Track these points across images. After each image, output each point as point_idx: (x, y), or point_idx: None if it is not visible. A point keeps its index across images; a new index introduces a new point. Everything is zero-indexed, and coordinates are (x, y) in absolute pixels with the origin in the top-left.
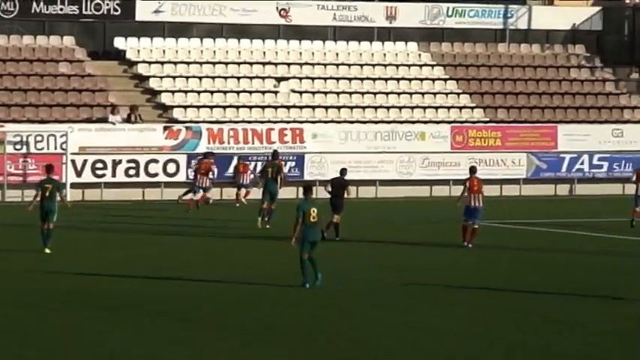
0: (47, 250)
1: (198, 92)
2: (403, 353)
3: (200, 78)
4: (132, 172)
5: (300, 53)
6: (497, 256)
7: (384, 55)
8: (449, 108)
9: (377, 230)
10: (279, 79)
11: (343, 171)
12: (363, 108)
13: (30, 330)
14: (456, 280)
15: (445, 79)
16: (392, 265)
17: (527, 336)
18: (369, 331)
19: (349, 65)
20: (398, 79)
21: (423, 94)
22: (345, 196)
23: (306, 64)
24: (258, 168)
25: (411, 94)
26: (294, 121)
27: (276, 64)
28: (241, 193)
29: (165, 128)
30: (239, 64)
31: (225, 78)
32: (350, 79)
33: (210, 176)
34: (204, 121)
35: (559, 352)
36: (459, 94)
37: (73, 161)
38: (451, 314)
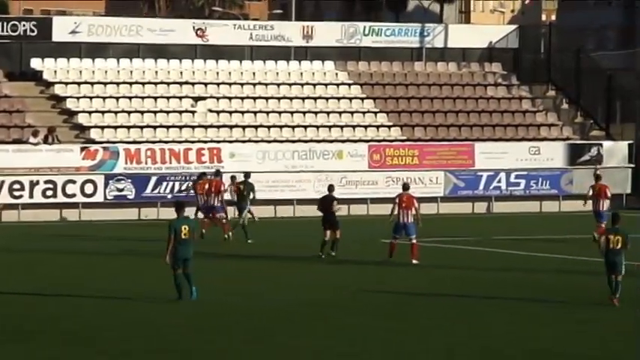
0: None
1: (116, 112)
2: None
3: (117, 98)
4: (49, 192)
5: (217, 73)
6: (413, 273)
7: (301, 74)
8: (366, 127)
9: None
10: (197, 99)
11: (331, 187)
12: (281, 127)
13: None
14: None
15: (362, 98)
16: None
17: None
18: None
19: (266, 84)
20: (315, 98)
21: (340, 113)
22: (334, 210)
23: (224, 83)
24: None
25: (328, 113)
26: (212, 141)
27: (193, 84)
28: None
29: (82, 149)
30: (156, 84)
31: (143, 98)
32: (267, 99)
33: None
34: (121, 142)
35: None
36: (376, 112)
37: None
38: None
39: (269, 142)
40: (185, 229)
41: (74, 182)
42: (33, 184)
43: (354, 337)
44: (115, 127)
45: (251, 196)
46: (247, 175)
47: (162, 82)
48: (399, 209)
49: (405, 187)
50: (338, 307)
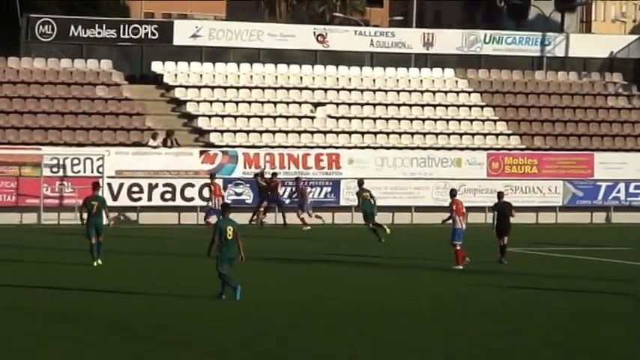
0: (97, 263)
1: (235, 117)
2: None
3: (237, 103)
4: (168, 196)
5: (337, 79)
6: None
7: (421, 81)
8: (485, 135)
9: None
10: (316, 105)
11: (500, 194)
12: (400, 134)
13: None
14: (451, 305)
15: (482, 106)
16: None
17: None
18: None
19: (386, 91)
20: (435, 106)
21: (459, 120)
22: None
23: (343, 89)
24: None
25: (447, 120)
26: (331, 147)
27: (313, 90)
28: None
29: (201, 152)
30: (276, 89)
31: (262, 103)
32: (387, 105)
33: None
34: (240, 146)
35: None
36: (495, 120)
37: (109, 184)
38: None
39: (388, 148)
40: (230, 230)
41: (192, 186)
42: (152, 187)
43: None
44: (235, 132)
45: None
46: (361, 181)
47: (282, 87)
48: (457, 215)
49: (454, 192)
50: (488, 315)
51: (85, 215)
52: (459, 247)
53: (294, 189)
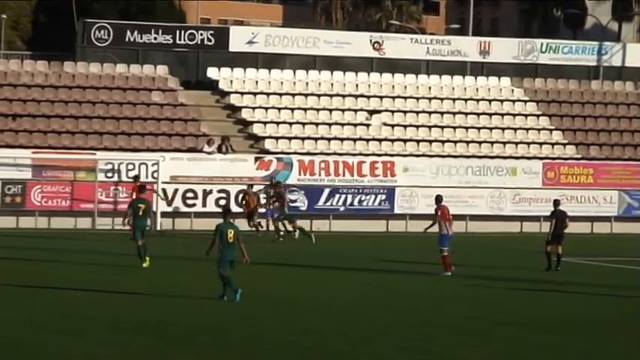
0: (145, 264)
1: (290, 124)
2: None
3: (292, 109)
4: (222, 202)
5: (393, 86)
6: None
7: (477, 89)
8: (541, 144)
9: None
10: (372, 112)
11: (556, 202)
12: (455, 142)
13: None
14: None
15: (538, 115)
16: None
17: None
18: None
19: (441, 99)
20: (490, 114)
21: (515, 129)
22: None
23: (399, 97)
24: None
25: (503, 129)
26: (386, 154)
27: (368, 97)
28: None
29: (256, 159)
30: (331, 96)
31: (318, 110)
32: (442, 113)
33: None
34: (295, 153)
35: None
36: (551, 130)
37: (164, 190)
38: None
39: (443, 157)
40: (231, 232)
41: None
42: (206, 193)
43: None
44: (290, 139)
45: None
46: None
47: (337, 95)
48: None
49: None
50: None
51: (129, 218)
52: (446, 253)
53: (271, 193)
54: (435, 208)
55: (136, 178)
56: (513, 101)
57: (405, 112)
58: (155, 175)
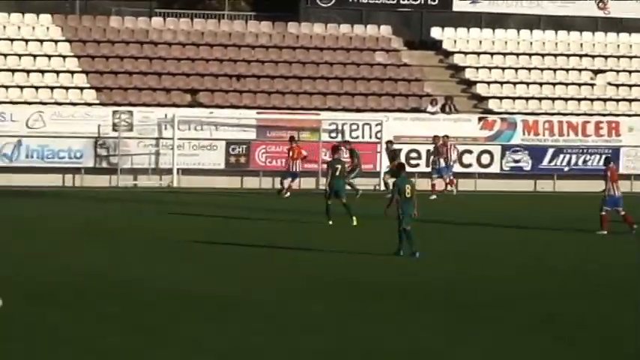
0: (354, 222)
1: (514, 83)
2: None
3: (516, 69)
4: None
5: (618, 46)
6: None
7: None
8: None
9: None
10: (596, 72)
11: None
12: None
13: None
14: None
15: None
16: None
17: None
18: None
19: None
20: None
21: None
22: None
23: (624, 56)
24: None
25: None
26: (611, 114)
27: (593, 57)
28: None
29: (480, 119)
30: (555, 55)
31: (542, 70)
32: None
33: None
34: (519, 113)
35: None
36: None
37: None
38: None
39: None
40: (408, 187)
41: (471, 152)
42: (430, 153)
43: None
44: (514, 99)
45: None
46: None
47: (561, 54)
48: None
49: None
50: None
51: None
52: (604, 213)
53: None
54: (605, 169)
55: (292, 139)
56: None
57: (630, 71)
58: (379, 135)
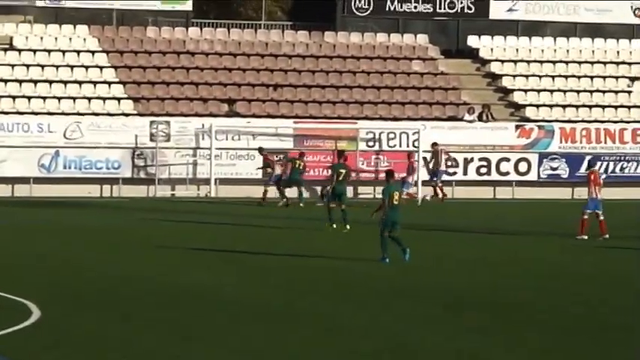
0: (347, 228)
1: (551, 91)
2: None
3: (553, 77)
4: (483, 170)
5: None
6: None
7: None
8: None
9: None
10: (633, 79)
11: None
12: None
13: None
14: None
15: None
16: None
17: None
18: None
19: None
20: None
21: None
22: None
23: None
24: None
25: None
26: None
27: (629, 64)
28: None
29: (517, 127)
30: (592, 63)
31: (579, 77)
32: None
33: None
34: (556, 120)
35: None
36: None
37: (424, 159)
38: None
39: None
40: (396, 194)
41: (508, 160)
42: (467, 162)
43: None
44: (551, 106)
45: None
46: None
47: (598, 62)
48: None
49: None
50: None
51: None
52: (586, 217)
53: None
54: (588, 173)
55: (260, 150)
56: None
57: None
58: (416, 144)
